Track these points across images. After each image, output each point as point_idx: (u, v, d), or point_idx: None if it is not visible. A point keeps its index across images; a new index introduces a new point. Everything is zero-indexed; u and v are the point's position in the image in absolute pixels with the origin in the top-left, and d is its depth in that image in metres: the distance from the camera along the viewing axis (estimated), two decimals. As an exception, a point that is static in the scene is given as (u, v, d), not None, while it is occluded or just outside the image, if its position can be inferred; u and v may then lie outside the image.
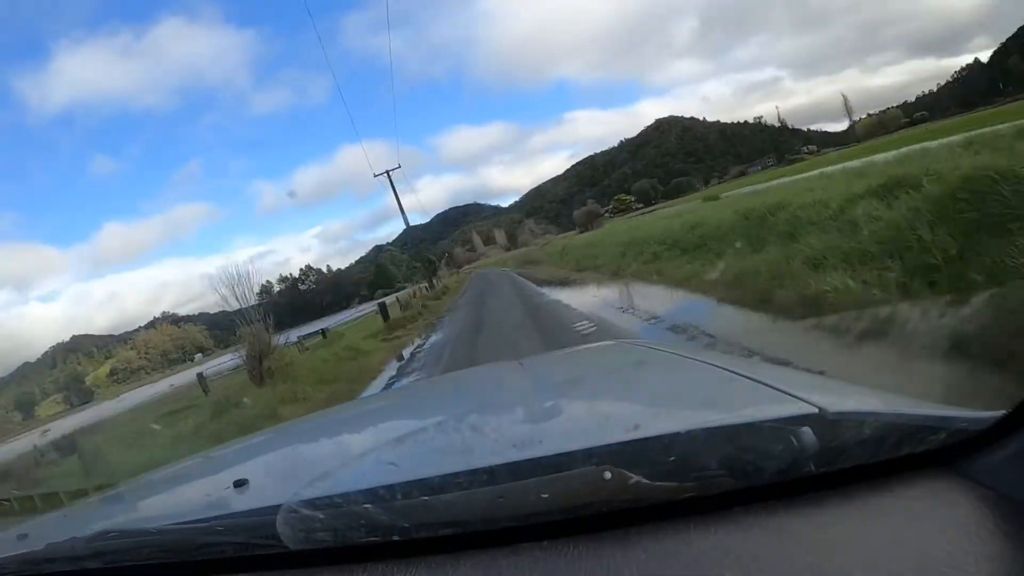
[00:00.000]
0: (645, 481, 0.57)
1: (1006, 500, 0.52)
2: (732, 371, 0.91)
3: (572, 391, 1.12)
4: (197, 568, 0.73)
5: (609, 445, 0.62)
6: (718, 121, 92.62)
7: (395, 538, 0.63)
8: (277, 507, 0.67)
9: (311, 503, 0.66)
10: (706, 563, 0.51)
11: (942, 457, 0.59)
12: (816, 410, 0.61)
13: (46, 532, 0.92)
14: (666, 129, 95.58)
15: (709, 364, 1.03)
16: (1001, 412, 0.57)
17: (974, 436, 0.58)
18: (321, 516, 0.65)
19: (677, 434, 0.60)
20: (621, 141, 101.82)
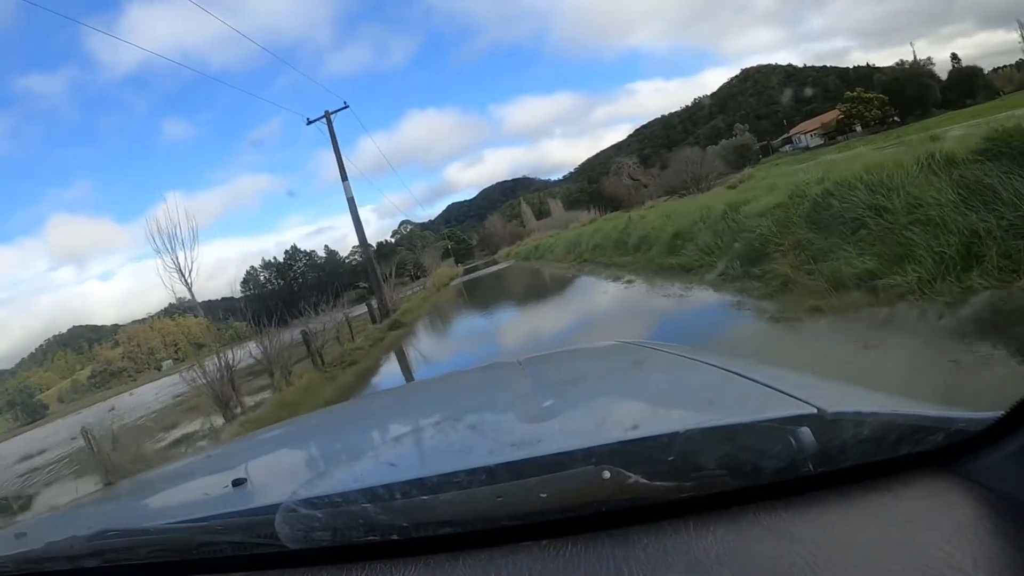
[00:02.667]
0: (644, 481, 0.57)
1: (1004, 500, 0.52)
2: (731, 371, 0.91)
3: (571, 391, 1.12)
4: (196, 567, 0.73)
5: (608, 445, 0.62)
6: (825, 66, 73.54)
7: (394, 537, 0.63)
8: (276, 506, 0.67)
9: (310, 502, 0.66)
10: (705, 562, 0.50)
11: (940, 457, 0.59)
12: (815, 410, 0.61)
13: (44, 531, 0.92)
14: (759, 78, 77.65)
15: (708, 364, 1.04)
16: (999, 412, 0.57)
17: (972, 436, 0.58)
18: (320, 515, 0.65)
19: (676, 434, 0.60)
20: (695, 100, 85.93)
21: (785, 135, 60.54)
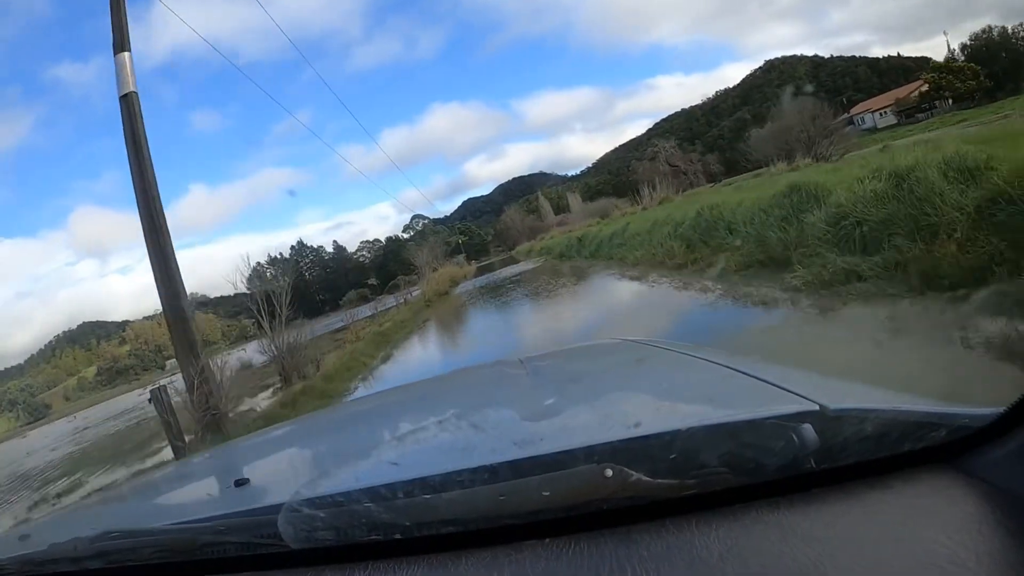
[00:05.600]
0: (646, 479, 0.57)
1: (1007, 496, 0.52)
2: (733, 368, 0.91)
3: (573, 389, 1.12)
4: (199, 567, 0.73)
5: (610, 443, 0.62)
6: (855, 56, 67.65)
7: (396, 537, 0.63)
8: (279, 506, 0.67)
9: (312, 502, 0.66)
10: (708, 560, 0.51)
11: (943, 454, 0.59)
12: (817, 407, 0.61)
13: (48, 533, 0.92)
14: (784, 69, 72.28)
15: (710, 361, 1.03)
16: (1002, 408, 0.57)
17: (975, 432, 0.58)
18: (322, 515, 0.65)
19: (678, 431, 0.60)
20: (717, 92, 79.21)
21: (845, 115, 49.66)
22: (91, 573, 0.78)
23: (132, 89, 8.68)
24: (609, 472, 0.57)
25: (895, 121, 44.27)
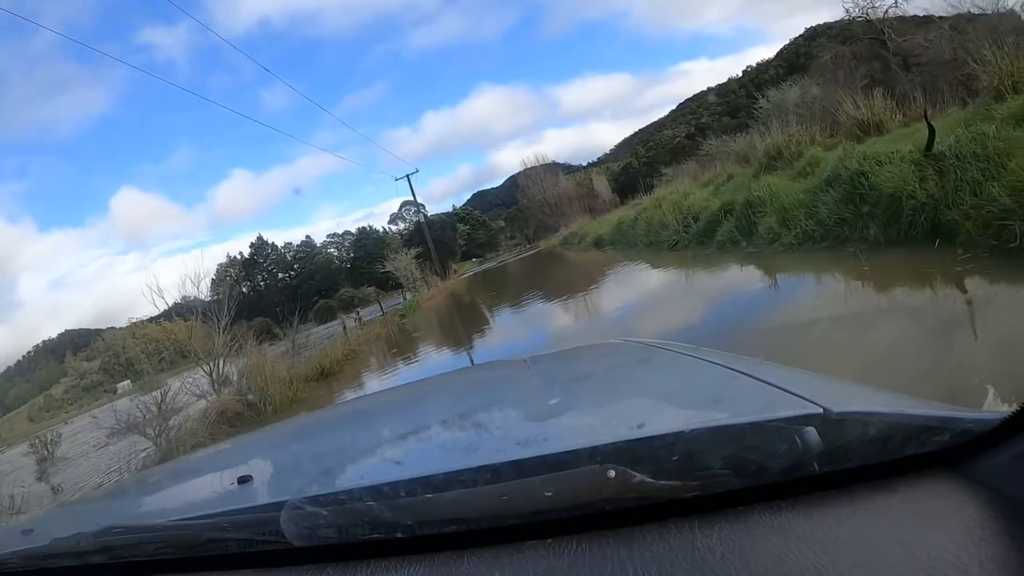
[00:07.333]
0: (649, 480, 0.57)
1: (1011, 501, 0.52)
2: (737, 370, 0.91)
3: (577, 389, 1.12)
4: (201, 563, 0.74)
5: (613, 443, 0.62)
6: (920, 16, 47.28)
7: (399, 535, 0.63)
8: (281, 503, 0.67)
9: (315, 500, 0.67)
10: (710, 562, 0.51)
11: (947, 458, 0.58)
12: (820, 410, 0.61)
13: (51, 527, 0.93)
14: (832, 35, 64.66)
15: (714, 363, 1.03)
16: (1007, 412, 0.56)
17: (979, 437, 0.58)
18: (325, 513, 0.65)
19: (681, 433, 0.60)
20: (749, 66, 71.03)
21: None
22: (94, 568, 0.79)
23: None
24: (612, 473, 0.57)
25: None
